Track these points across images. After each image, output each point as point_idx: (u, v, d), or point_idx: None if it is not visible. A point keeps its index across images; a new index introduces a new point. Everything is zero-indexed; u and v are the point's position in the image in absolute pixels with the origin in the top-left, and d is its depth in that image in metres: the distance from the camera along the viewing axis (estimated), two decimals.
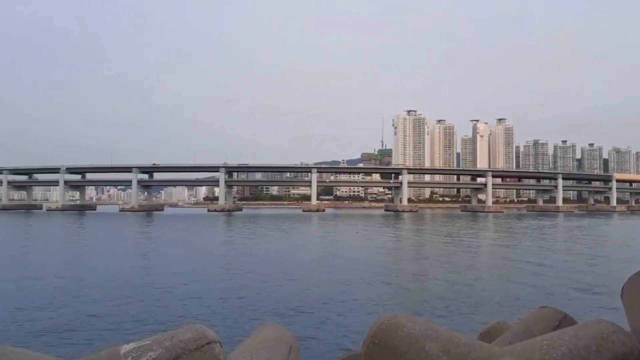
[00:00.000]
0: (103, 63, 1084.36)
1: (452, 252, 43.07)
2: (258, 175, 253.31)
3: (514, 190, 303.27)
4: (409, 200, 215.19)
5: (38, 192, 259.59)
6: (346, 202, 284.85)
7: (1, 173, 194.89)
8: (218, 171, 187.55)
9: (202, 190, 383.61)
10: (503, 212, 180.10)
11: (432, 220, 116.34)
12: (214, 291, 23.39)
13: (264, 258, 37.44)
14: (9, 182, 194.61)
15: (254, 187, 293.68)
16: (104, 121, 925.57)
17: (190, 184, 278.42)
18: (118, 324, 17.10)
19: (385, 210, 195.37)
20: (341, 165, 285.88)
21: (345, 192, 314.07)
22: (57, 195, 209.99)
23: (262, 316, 17.64)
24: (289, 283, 25.76)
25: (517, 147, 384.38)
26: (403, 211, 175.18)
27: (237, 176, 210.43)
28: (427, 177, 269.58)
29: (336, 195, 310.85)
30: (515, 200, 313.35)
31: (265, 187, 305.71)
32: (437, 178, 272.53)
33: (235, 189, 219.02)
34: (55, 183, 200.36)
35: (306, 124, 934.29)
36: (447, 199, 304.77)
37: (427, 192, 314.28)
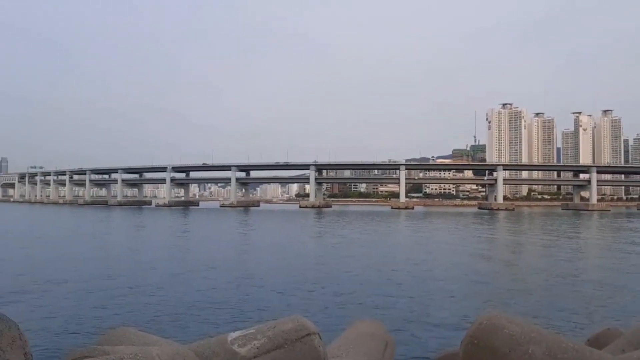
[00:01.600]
0: (203, 71, 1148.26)
1: (553, 253, 40.99)
2: (346, 173, 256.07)
3: (622, 187, 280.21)
4: (505, 198, 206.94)
5: (147, 189, 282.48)
6: (436, 200, 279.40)
7: (116, 172, 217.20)
8: (308, 169, 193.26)
9: (294, 187, 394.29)
10: (609, 210, 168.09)
11: (530, 219, 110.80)
12: (310, 284, 24.31)
13: (356, 253, 38.23)
14: (123, 180, 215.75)
15: (342, 184, 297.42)
16: (205, 122, 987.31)
17: (283, 182, 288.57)
18: (222, 312, 18.35)
19: (479, 208, 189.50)
20: (431, 162, 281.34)
21: (436, 189, 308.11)
22: (164, 192, 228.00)
23: (357, 311, 17.93)
24: (381, 279, 26.14)
25: (626, 141, 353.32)
26: (498, 209, 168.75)
27: (327, 174, 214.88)
28: (524, 174, 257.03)
29: (425, 192, 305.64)
30: (624, 197, 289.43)
31: (353, 184, 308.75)
32: (535, 175, 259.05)
33: (324, 186, 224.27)
34: (162, 181, 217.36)
35: (393, 120, 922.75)
36: (546, 196, 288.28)
37: (524, 190, 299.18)
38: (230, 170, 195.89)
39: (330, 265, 32.12)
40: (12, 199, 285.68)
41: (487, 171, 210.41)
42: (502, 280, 27.21)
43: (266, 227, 77.36)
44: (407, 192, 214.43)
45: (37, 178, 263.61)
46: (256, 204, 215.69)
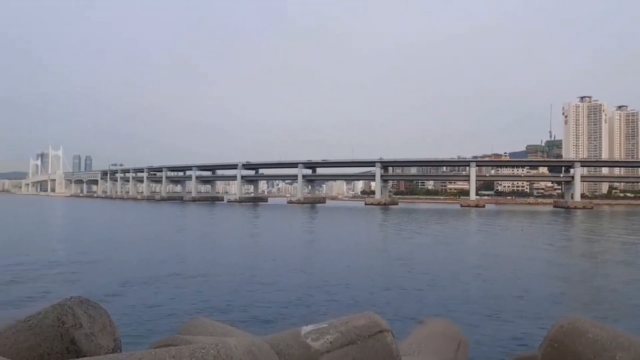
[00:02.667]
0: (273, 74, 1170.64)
1: (638, 255, 38.81)
2: (413, 170, 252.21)
3: None
4: (583, 196, 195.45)
5: (220, 186, 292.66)
6: (509, 197, 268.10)
7: (191, 169, 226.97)
8: (374, 166, 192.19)
9: (360, 184, 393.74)
10: None
11: (610, 219, 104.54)
12: (380, 281, 24.44)
13: (425, 252, 37.94)
14: (197, 177, 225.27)
15: (409, 181, 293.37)
16: (272, 122, 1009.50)
17: (349, 179, 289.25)
18: (293, 305, 18.82)
19: (554, 207, 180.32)
20: (503, 158, 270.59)
21: (508, 187, 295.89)
22: (235, 189, 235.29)
23: (427, 309, 17.88)
24: (453, 277, 25.83)
25: None
26: (575, 208, 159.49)
27: (393, 170, 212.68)
28: (605, 171, 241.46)
29: (497, 190, 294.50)
30: None
31: (420, 181, 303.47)
32: (617, 171, 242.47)
33: (390, 183, 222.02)
34: (233, 178, 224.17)
35: (463, 115, 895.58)
36: (629, 194, 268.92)
37: (604, 188, 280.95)
38: (297, 167, 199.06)
39: (399, 262, 31.99)
40: (95, 195, 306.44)
41: (563, 168, 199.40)
42: (582, 283, 26.15)
43: (333, 224, 78.11)
44: (478, 189, 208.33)
45: (118, 175, 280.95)
46: (322, 200, 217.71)
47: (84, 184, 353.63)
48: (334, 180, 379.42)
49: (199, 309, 17.37)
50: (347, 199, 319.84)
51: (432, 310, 17.67)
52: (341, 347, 3.26)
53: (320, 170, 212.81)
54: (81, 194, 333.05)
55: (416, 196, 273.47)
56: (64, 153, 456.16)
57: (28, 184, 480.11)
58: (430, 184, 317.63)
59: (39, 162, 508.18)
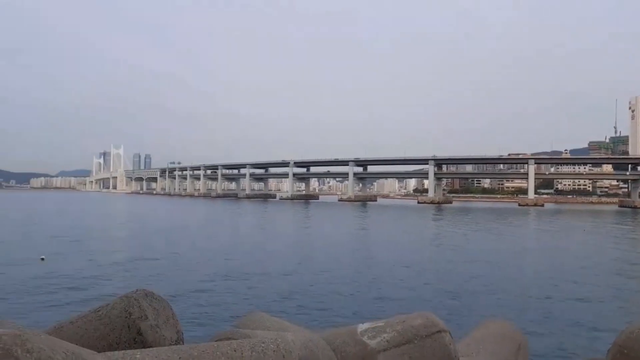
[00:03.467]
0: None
1: None
2: (468, 168, 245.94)
3: None
4: None
5: (272, 183, 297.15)
6: (569, 196, 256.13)
7: (245, 167, 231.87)
8: (427, 163, 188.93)
9: (412, 182, 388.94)
10: None
11: None
12: (435, 280, 24.24)
13: (483, 251, 37.22)
14: (250, 175, 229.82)
15: (464, 179, 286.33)
16: (324, 120, 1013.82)
17: (400, 176, 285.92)
18: (346, 302, 18.98)
19: (620, 206, 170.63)
20: (563, 156, 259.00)
21: (569, 185, 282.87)
22: (287, 186, 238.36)
23: (486, 310, 17.53)
24: (512, 278, 25.25)
25: None
26: None
27: (447, 168, 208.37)
28: None
29: (557, 188, 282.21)
30: None
31: (476, 179, 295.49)
32: None
33: (444, 181, 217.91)
34: (285, 175, 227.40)
35: (520, 111, 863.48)
36: None
37: None
38: (347, 165, 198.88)
39: (455, 261, 31.48)
40: (154, 192, 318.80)
41: (629, 165, 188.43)
42: None
43: (385, 222, 77.61)
44: (537, 188, 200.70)
45: (176, 173, 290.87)
46: (373, 198, 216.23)
47: (144, 181, 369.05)
48: (386, 178, 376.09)
49: (254, 304, 17.71)
50: (398, 197, 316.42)
51: (490, 311, 17.22)
52: (398, 346, 3.25)
53: (371, 168, 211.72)
54: (141, 191, 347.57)
55: (471, 195, 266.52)
56: (125, 152, 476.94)
57: (92, 182, 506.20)
58: (486, 182, 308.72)
59: (101, 160, 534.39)
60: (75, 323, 3.48)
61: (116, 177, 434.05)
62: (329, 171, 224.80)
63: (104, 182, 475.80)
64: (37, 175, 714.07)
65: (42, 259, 30.11)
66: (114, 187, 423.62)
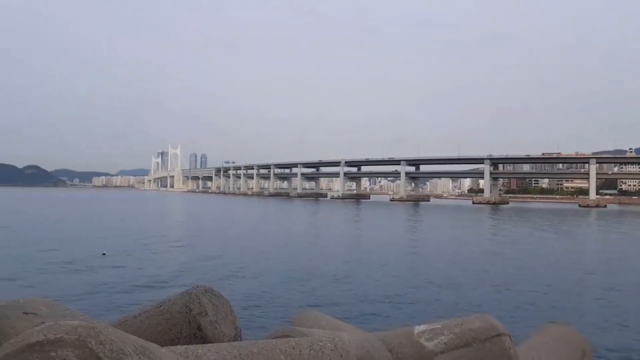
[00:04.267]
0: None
1: None
2: (525, 167, 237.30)
3: None
4: None
5: (323, 183, 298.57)
6: (634, 197, 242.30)
7: (296, 166, 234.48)
8: (482, 163, 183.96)
9: (466, 182, 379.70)
10: None
11: None
12: (492, 282, 23.62)
13: (542, 254, 35.90)
14: (302, 174, 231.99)
15: (521, 179, 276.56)
16: (376, 119, 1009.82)
17: (454, 176, 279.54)
18: (401, 303, 18.83)
19: None
20: (628, 155, 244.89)
21: (634, 186, 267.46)
22: (338, 185, 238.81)
23: (547, 314, 17.06)
24: (576, 282, 24.42)
25: None
26: None
27: (503, 168, 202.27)
28: None
29: (621, 189, 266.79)
30: None
31: (533, 179, 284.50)
32: None
33: (500, 181, 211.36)
34: (336, 175, 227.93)
35: (581, 109, 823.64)
36: None
37: None
38: (399, 164, 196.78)
39: (513, 264, 30.63)
40: (209, 190, 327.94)
41: None
42: None
43: (439, 222, 76.27)
44: (598, 188, 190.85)
45: (230, 172, 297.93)
46: (426, 198, 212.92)
47: (200, 180, 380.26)
48: (439, 177, 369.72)
49: (308, 302, 17.92)
50: (452, 197, 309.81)
51: (552, 315, 16.65)
52: (456, 348, 3.20)
53: (424, 168, 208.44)
54: (197, 190, 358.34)
55: (529, 195, 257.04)
56: (182, 151, 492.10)
57: (150, 180, 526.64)
58: (544, 182, 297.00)
59: (159, 160, 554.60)
60: (139, 317, 3.62)
61: (173, 176, 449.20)
62: (386, 171, 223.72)
63: (162, 181, 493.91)
64: (99, 174, 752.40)
65: (104, 254, 31.49)
66: (171, 186, 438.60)
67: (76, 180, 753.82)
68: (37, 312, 2.93)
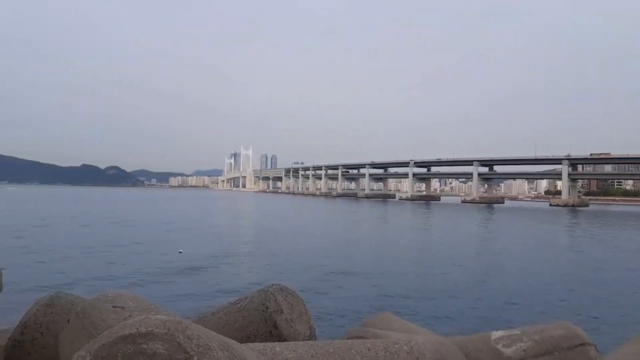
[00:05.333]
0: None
1: None
2: (607, 168, 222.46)
3: None
4: None
5: (391, 183, 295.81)
6: None
7: (364, 167, 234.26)
8: (560, 163, 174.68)
9: (543, 184, 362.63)
10: None
11: None
12: (573, 288, 22.85)
13: (632, 260, 34.08)
14: (369, 175, 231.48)
15: (602, 180, 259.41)
16: (446, 118, 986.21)
17: (530, 177, 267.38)
18: (475, 308, 18.50)
19: None
20: None
21: None
22: (406, 186, 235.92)
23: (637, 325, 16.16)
24: None
25: None
26: None
27: (583, 169, 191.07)
28: None
29: None
30: None
31: (617, 180, 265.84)
32: None
33: (579, 182, 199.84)
34: (405, 175, 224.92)
35: None
36: None
37: None
38: (472, 165, 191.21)
39: (599, 270, 29.22)
40: (279, 191, 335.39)
41: None
42: None
43: (513, 225, 73.54)
44: None
45: (299, 172, 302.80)
46: (500, 200, 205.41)
47: (270, 180, 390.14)
48: (514, 179, 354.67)
49: (381, 304, 18.03)
50: (528, 199, 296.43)
51: None
52: (536, 356, 3.12)
53: (497, 168, 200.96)
54: (267, 190, 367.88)
55: (611, 197, 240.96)
56: (253, 152, 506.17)
57: (223, 180, 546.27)
58: (628, 184, 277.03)
59: (232, 160, 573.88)
60: (217, 314, 3.83)
61: (245, 177, 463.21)
62: (457, 172, 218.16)
63: (234, 181, 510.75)
64: (175, 175, 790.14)
65: (180, 252, 32.88)
66: (243, 186, 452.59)
67: (153, 181, 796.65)
68: (124, 305, 3.14)
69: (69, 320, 3.21)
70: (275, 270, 27.00)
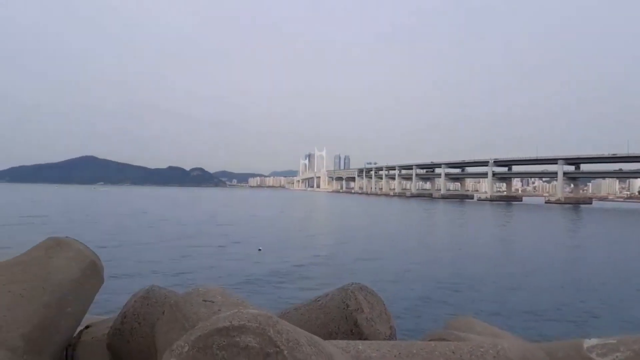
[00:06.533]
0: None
1: None
2: None
3: None
4: None
5: (469, 183, 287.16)
6: None
7: (440, 167, 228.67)
8: None
9: (637, 183, 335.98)
10: None
11: None
12: None
13: None
14: (445, 175, 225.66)
15: None
16: (527, 115, 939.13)
17: (622, 176, 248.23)
18: (563, 315, 17.82)
19: None
20: None
21: None
22: (485, 187, 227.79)
23: None
24: None
25: None
26: None
27: None
28: None
29: None
30: None
31: None
32: None
33: None
34: (483, 175, 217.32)
35: None
36: None
37: None
38: (556, 163, 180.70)
39: None
40: (352, 191, 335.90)
41: None
42: None
43: (607, 230, 68.48)
44: None
45: (372, 173, 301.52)
46: (587, 200, 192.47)
47: (343, 180, 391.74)
48: (603, 177, 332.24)
49: (458, 307, 17.83)
50: (620, 199, 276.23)
51: None
52: None
53: (584, 167, 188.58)
54: (340, 190, 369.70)
55: None
56: (327, 153, 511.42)
57: (298, 181, 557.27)
58: None
59: (306, 161, 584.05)
60: (299, 310, 3.84)
61: (319, 177, 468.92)
62: (540, 171, 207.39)
63: (309, 182, 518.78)
64: (254, 176, 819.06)
65: (260, 250, 34.00)
66: (317, 186, 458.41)
67: (234, 181, 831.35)
68: (213, 299, 3.20)
69: (163, 312, 3.36)
70: (351, 269, 27.10)
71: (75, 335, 4.11)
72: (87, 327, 4.34)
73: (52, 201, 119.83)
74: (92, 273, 3.90)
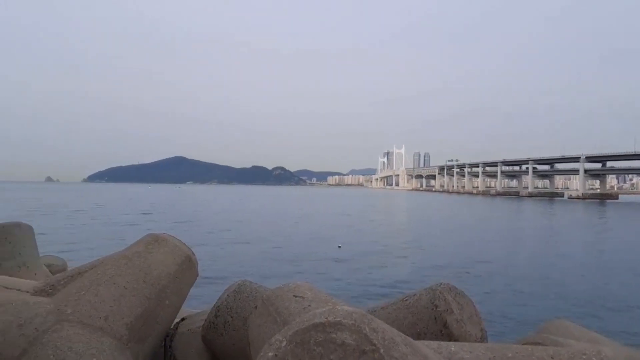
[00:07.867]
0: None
1: None
2: None
3: None
4: None
5: (559, 181, 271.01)
6: None
7: (527, 163, 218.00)
8: None
9: None
10: None
11: None
12: None
13: None
14: (533, 171, 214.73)
15: None
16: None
17: None
18: None
19: None
20: None
21: None
22: (576, 184, 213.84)
23: None
24: None
25: None
26: None
27: None
28: None
29: None
30: None
31: None
32: None
33: None
34: (575, 172, 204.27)
35: None
36: None
37: None
38: None
39: None
40: (433, 189, 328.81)
41: None
42: None
43: None
44: None
45: (454, 170, 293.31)
46: None
47: (423, 178, 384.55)
48: None
49: (551, 311, 17.25)
50: None
51: None
52: None
53: None
54: (420, 188, 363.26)
55: None
56: (406, 151, 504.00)
57: (377, 179, 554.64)
58: None
59: (385, 159, 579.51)
60: (386, 309, 3.81)
61: (398, 175, 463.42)
62: (632, 167, 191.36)
63: (387, 180, 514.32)
64: (333, 174, 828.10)
65: (339, 247, 34.39)
66: (396, 184, 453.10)
67: (314, 179, 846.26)
68: (303, 295, 3.29)
69: (256, 307, 3.50)
70: (436, 269, 26.70)
71: (172, 326, 4.42)
72: (183, 319, 4.67)
73: (150, 199, 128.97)
74: (187, 267, 4.06)
